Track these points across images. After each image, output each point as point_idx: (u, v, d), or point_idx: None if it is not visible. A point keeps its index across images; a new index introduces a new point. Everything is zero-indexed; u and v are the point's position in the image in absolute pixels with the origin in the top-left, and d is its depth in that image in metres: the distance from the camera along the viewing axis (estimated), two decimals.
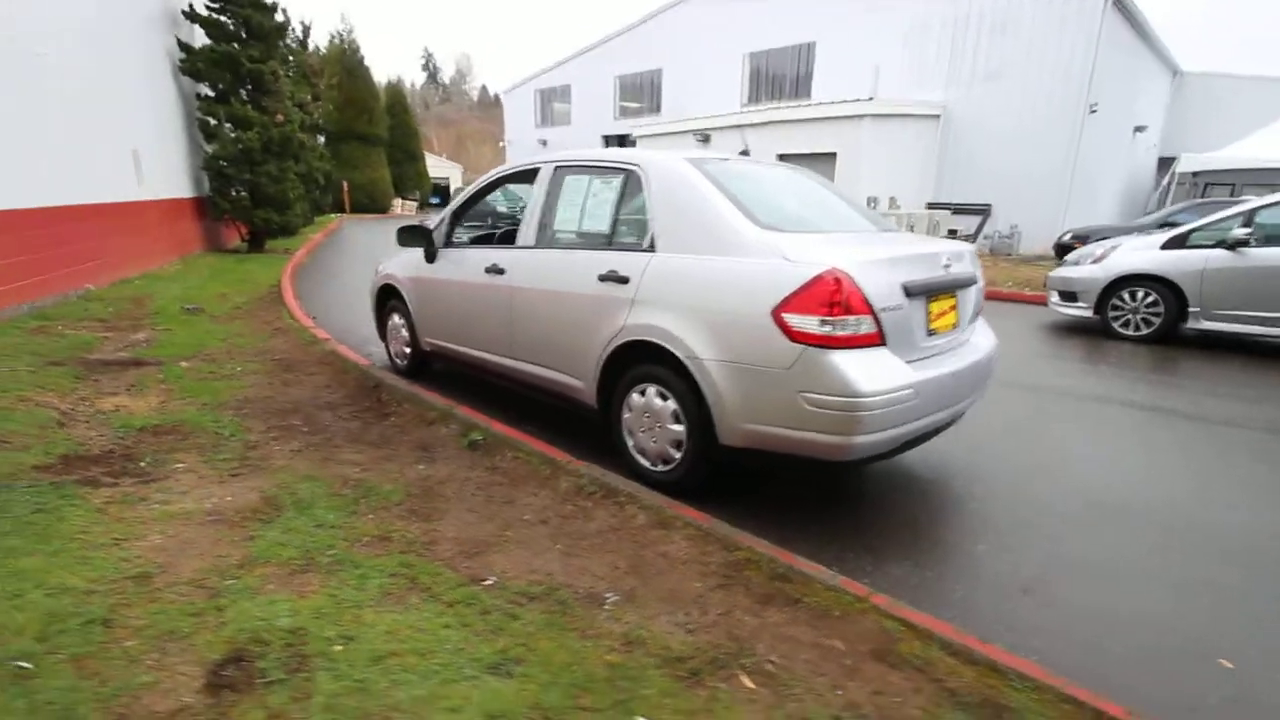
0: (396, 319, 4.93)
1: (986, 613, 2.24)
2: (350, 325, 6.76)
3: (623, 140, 26.71)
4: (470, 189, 4.38)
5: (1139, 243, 6.53)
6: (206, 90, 10.74)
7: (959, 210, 15.50)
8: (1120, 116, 16.23)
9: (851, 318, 2.46)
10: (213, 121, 10.55)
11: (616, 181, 3.34)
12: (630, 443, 3.20)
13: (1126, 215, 18.28)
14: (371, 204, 28.74)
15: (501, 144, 31.69)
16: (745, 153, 4.50)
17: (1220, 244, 5.83)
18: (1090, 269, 6.69)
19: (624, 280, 3.07)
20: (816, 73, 18.27)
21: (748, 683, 1.78)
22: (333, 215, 24.05)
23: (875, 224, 3.41)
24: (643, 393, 3.08)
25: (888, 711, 1.70)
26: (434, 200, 39.70)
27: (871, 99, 14.65)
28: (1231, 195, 16.88)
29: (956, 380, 2.87)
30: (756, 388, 2.63)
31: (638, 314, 3.00)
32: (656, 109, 22.74)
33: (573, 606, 2.07)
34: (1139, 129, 17.69)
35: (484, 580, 2.18)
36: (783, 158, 16.06)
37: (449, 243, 4.44)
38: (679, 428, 2.95)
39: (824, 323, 2.46)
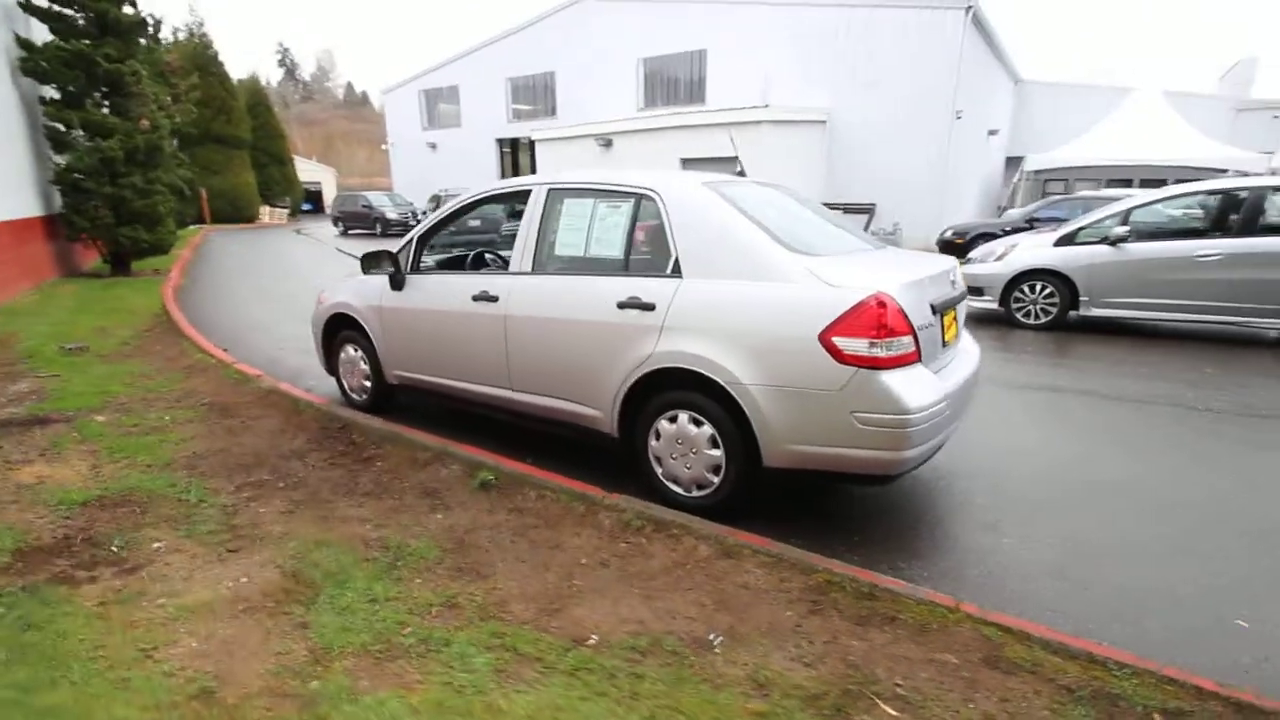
0: (352, 351, 4.56)
1: (1040, 602, 2.42)
2: (273, 356, 6.17)
3: (515, 144, 26.21)
4: (442, 211, 4.13)
5: (1034, 241, 7.30)
6: (53, 93, 9.33)
7: (848, 209, 16.56)
8: (977, 121, 18.04)
9: (897, 339, 2.58)
10: (64, 129, 9.19)
11: (626, 206, 3.27)
12: (659, 470, 3.16)
13: (985, 211, 20.36)
14: (235, 213, 26.27)
15: (384, 146, 29.99)
16: (741, 172, 4.50)
17: (1104, 240, 6.65)
18: (994, 266, 7.39)
19: (648, 307, 3.03)
20: (709, 78, 18.83)
21: (890, 710, 1.82)
22: (194, 227, 21.74)
23: (867, 242, 3.58)
24: (673, 419, 3.05)
25: (1014, 701, 1.81)
26: (306, 207, 36.89)
27: (767, 106, 15.33)
28: (1065, 191, 19.31)
29: (967, 388, 3.09)
30: (806, 410, 2.68)
31: (668, 341, 2.96)
32: (551, 112, 22.48)
33: (686, 655, 2.02)
34: (992, 132, 19.76)
35: (587, 640, 2.07)
36: (685, 161, 16.43)
37: (416, 268, 4.17)
38: (716, 452, 2.95)
39: (873, 345, 2.55)
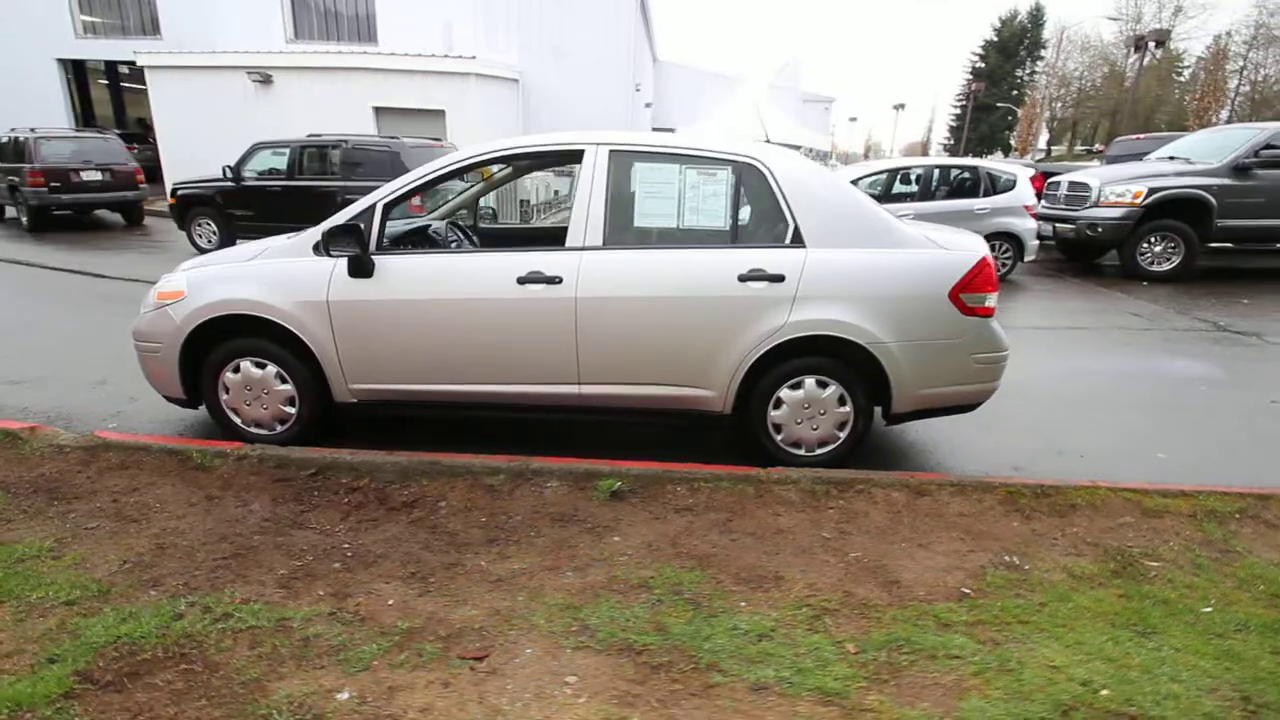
0: (253, 370, 3.28)
1: (1066, 469, 3.37)
2: None
3: (82, 67, 19.22)
4: (427, 170, 3.20)
5: None
6: None
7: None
8: (642, 95, 20.14)
9: (996, 292, 3.17)
10: None
11: (724, 175, 3.13)
12: (778, 438, 3.23)
13: None
14: None
15: None
16: (768, 140, 4.33)
17: None
18: None
19: (777, 278, 3.02)
20: (380, 16, 16.70)
21: (1152, 564, 2.46)
22: None
23: None
24: (796, 386, 3.15)
25: (1187, 538, 2.63)
26: None
27: (475, 57, 14.43)
28: None
29: None
30: (934, 358, 3.11)
31: (802, 310, 3.02)
32: (152, 30, 16.94)
33: (1024, 579, 2.32)
34: (647, 105, 22.28)
35: (967, 595, 2.20)
36: (379, 111, 14.56)
37: (380, 247, 3.19)
38: (844, 409, 3.18)
39: (987, 298, 3.10)
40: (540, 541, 2.55)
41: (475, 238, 4.15)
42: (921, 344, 3.08)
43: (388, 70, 14.03)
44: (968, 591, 2.23)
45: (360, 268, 3.09)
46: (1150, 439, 3.86)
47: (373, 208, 3.15)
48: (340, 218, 3.15)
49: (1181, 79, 42.91)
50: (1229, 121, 32.33)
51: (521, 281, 3.06)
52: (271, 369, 3.25)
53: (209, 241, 9.30)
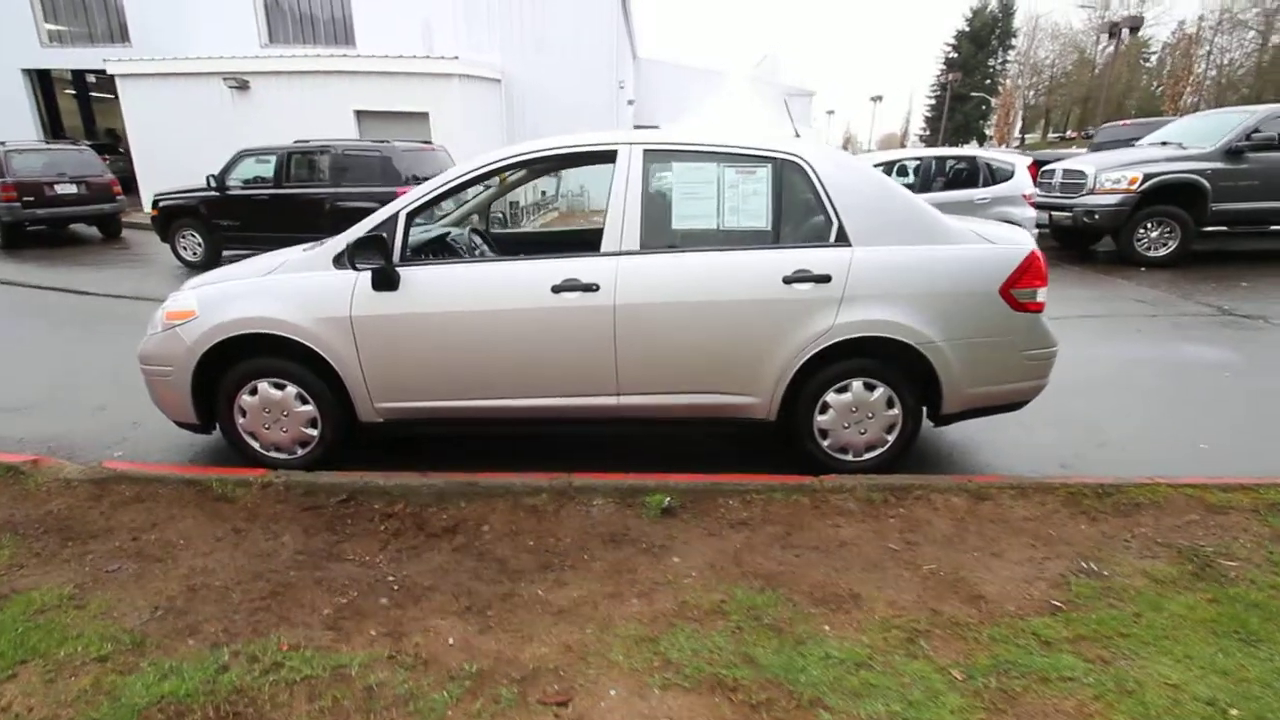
0: (272, 392, 3.11)
1: (1117, 467, 3.30)
2: None
3: (46, 75, 18.59)
4: (449, 177, 3.04)
5: None
6: None
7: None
8: (625, 92, 19.96)
9: (1045, 286, 3.09)
10: None
11: (764, 173, 3.01)
12: (825, 443, 3.13)
13: None
14: None
15: None
16: (797, 134, 4.19)
17: None
18: None
19: (823, 279, 2.91)
20: (357, 18, 16.34)
21: (1229, 562, 2.38)
22: None
23: None
24: (842, 390, 3.04)
25: (1257, 534, 2.56)
26: None
27: (457, 58, 14.14)
28: None
29: None
30: (985, 356, 3.02)
31: (850, 311, 2.92)
32: (121, 37, 16.41)
33: (1106, 585, 2.23)
34: (630, 102, 22.10)
35: (1059, 608, 2.10)
36: (361, 114, 14.24)
37: (404, 258, 3.03)
38: (893, 412, 3.08)
39: (1038, 292, 3.02)
40: (597, 566, 2.42)
41: (492, 244, 4.00)
42: (972, 342, 2.98)
43: (368, 73, 13.71)
44: (1058, 604, 2.13)
45: (385, 280, 2.93)
46: (1187, 428, 3.82)
47: (395, 217, 2.99)
48: (362, 228, 2.99)
49: (1149, 64, 43.69)
50: (1198, 106, 32.97)
51: (556, 290, 2.91)
52: (291, 389, 3.08)
53: (193, 254, 8.99)
